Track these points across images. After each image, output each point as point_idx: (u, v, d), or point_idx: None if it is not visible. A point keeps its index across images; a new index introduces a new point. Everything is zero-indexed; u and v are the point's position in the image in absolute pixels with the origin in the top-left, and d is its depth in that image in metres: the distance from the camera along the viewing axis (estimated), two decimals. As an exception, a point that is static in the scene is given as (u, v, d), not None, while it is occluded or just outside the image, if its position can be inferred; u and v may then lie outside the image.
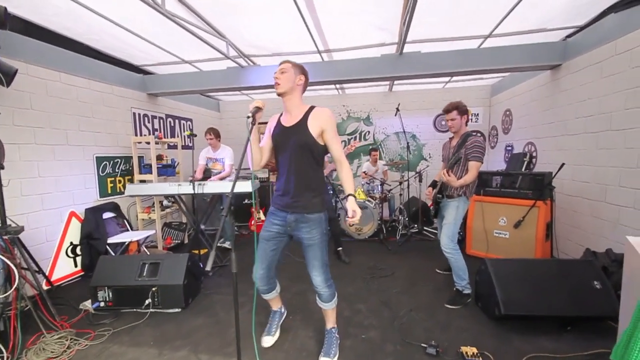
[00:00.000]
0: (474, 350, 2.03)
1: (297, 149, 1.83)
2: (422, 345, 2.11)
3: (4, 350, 1.96)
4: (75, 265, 3.51)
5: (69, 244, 3.46)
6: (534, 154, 4.27)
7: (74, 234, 3.51)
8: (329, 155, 1.96)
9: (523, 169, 4.23)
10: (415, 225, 4.93)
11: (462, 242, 4.16)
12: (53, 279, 3.23)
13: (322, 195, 1.94)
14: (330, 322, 2.15)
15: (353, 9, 2.96)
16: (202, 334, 2.36)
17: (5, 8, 2.43)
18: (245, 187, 3.38)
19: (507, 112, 5.15)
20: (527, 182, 3.56)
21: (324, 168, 2.01)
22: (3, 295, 2.00)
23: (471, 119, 6.03)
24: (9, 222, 2.57)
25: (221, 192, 3.53)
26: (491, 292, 2.42)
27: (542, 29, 3.47)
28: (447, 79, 5.46)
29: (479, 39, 3.73)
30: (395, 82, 5.57)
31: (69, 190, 3.52)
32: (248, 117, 1.67)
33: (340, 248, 3.96)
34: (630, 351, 0.92)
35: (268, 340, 2.19)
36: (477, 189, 3.92)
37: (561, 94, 3.67)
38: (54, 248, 3.32)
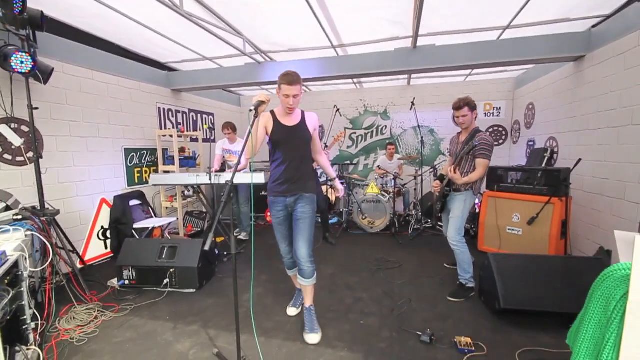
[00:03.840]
0: (468, 340, 2.07)
1: (302, 143, 2.21)
2: (417, 333, 2.18)
3: (39, 318, 2.22)
4: (106, 247, 3.85)
5: (100, 228, 3.80)
6: (556, 150, 4.11)
7: (105, 219, 3.84)
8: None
9: (543, 165, 4.10)
10: (429, 221, 4.91)
11: (474, 238, 4.14)
12: (86, 258, 3.57)
13: (314, 180, 2.29)
14: (309, 300, 2.33)
15: (363, 5, 3.00)
16: (212, 313, 2.55)
17: (42, 11, 2.71)
18: (260, 178, 3.55)
19: (530, 106, 4.96)
20: (542, 178, 3.47)
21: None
22: (39, 269, 2.27)
23: (493, 113, 5.85)
24: (47, 205, 2.89)
25: (236, 183, 3.71)
26: (492, 286, 2.42)
27: (566, 19, 3.33)
28: (467, 72, 5.33)
29: (497, 30, 3.63)
30: (413, 75, 5.51)
31: (100, 179, 3.84)
32: (251, 110, 1.80)
33: (327, 233, 4.45)
34: (580, 334, 0.95)
35: (293, 311, 2.56)
36: (491, 184, 3.87)
37: (584, 86, 3.51)
38: (87, 231, 3.66)
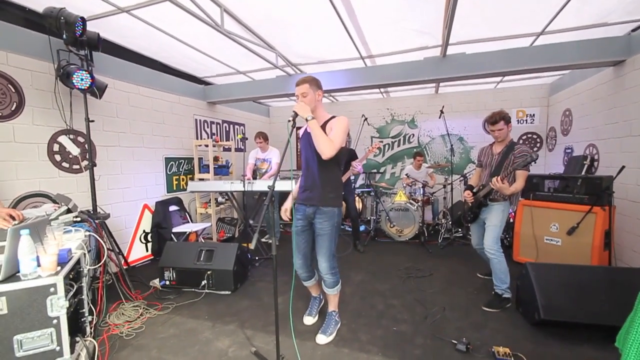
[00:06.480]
0: (507, 350, 2.02)
1: (317, 150, 2.04)
2: (453, 341, 2.15)
3: (94, 311, 2.41)
4: (147, 250, 4.09)
5: (142, 232, 4.05)
6: (596, 157, 3.94)
7: (146, 223, 4.10)
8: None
9: (583, 173, 3.93)
10: (460, 230, 4.81)
11: (509, 248, 4.01)
12: (129, 260, 3.81)
13: (338, 192, 2.18)
14: (332, 306, 2.39)
15: (393, 17, 3.08)
16: (248, 314, 2.65)
17: (98, 34, 3.00)
18: (286, 186, 3.65)
19: (567, 112, 4.79)
20: (583, 186, 3.33)
21: (343, 172, 2.23)
22: (94, 267, 2.47)
23: (526, 120, 5.69)
24: (99, 209, 3.14)
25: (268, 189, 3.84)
26: (532, 296, 2.35)
27: (603, 24, 3.24)
28: (498, 79, 5.24)
29: (530, 36, 3.59)
30: (442, 83, 5.49)
31: (143, 185, 4.12)
32: (289, 120, 1.90)
33: (357, 241, 4.48)
34: (630, 335, 0.93)
35: (309, 320, 2.50)
36: (527, 193, 3.76)
37: (625, 91, 3.37)
38: (130, 234, 3.92)
